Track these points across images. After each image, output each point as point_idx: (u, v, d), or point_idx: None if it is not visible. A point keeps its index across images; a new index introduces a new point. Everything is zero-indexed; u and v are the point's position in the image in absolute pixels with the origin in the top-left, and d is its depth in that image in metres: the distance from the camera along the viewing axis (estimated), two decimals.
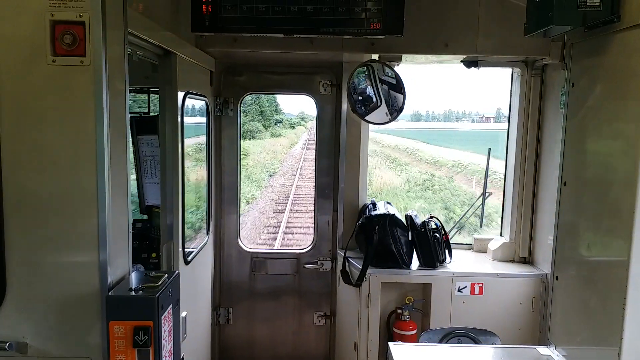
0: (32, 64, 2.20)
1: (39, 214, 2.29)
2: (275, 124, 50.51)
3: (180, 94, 3.54)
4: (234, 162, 5.16)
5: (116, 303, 2.23)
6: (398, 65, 4.40)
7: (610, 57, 2.44)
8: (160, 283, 2.34)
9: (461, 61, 4.52)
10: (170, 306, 2.44)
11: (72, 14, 2.18)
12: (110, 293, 2.27)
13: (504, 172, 4.99)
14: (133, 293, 2.27)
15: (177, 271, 2.60)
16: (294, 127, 56.68)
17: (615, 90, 2.43)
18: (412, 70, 5.33)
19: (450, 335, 3.47)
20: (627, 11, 2.23)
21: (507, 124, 4.91)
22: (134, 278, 2.47)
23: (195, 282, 4.29)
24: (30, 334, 2.34)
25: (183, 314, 3.57)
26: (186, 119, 3.70)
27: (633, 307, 2.26)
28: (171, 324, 2.44)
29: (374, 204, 4.88)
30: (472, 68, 4.54)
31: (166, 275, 2.44)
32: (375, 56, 4.35)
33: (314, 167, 5.37)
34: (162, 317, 2.30)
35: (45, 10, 2.17)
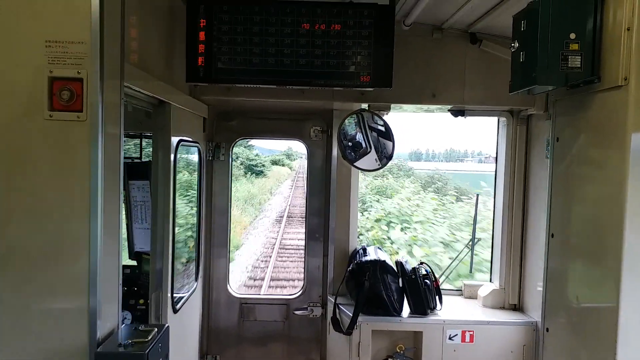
0: (28, 118, 2.23)
1: (29, 265, 2.27)
2: None
3: (174, 141, 3.58)
4: (224, 205, 5.17)
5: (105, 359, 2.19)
6: (387, 114, 4.50)
7: (592, 113, 2.54)
8: (150, 338, 2.31)
9: (448, 110, 4.63)
10: None
11: (71, 71, 2.23)
12: (99, 349, 2.23)
13: (492, 219, 5.05)
14: (122, 349, 2.23)
15: (166, 325, 2.57)
16: (261, 172, 34.84)
17: (598, 143, 2.52)
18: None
19: None
20: (607, 73, 2.34)
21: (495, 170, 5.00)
22: (123, 332, 2.44)
23: (184, 330, 4.22)
24: None
25: None
26: (178, 165, 3.73)
27: (623, 357, 2.28)
28: None
29: (364, 249, 4.89)
30: (459, 117, 4.66)
31: (156, 329, 2.41)
32: (365, 105, 4.45)
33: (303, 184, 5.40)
34: None
35: (45, 67, 2.22)
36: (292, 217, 20.83)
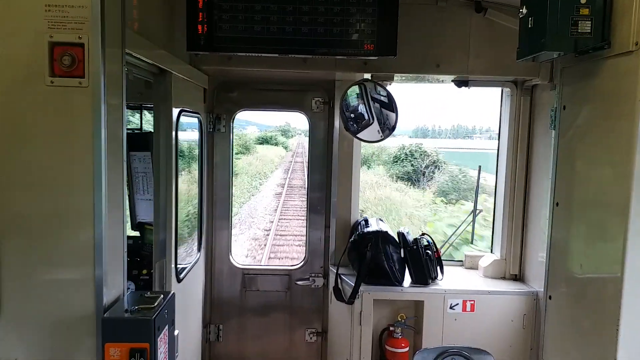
0: (29, 84, 2.20)
1: (34, 233, 2.27)
2: None
3: (175, 111, 3.55)
4: (226, 177, 5.16)
5: (112, 325, 2.21)
6: (390, 84, 4.45)
7: (601, 80, 2.51)
8: (156, 304, 2.33)
9: (452, 81, 4.58)
10: (166, 327, 2.42)
11: (72, 36, 2.18)
12: (106, 315, 2.25)
13: (494, 190, 5.05)
14: (129, 314, 2.25)
15: (172, 292, 2.59)
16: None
17: (606, 111, 2.49)
18: (417, 85, 5.35)
19: (444, 355, 3.48)
20: (617, 38, 2.30)
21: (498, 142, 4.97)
22: (129, 299, 2.45)
23: (187, 299, 4.26)
24: (23, 355, 2.30)
25: (175, 332, 3.54)
26: (180, 136, 3.71)
27: (627, 326, 2.30)
28: (167, 345, 2.43)
29: (366, 220, 4.90)
30: (463, 88, 4.61)
31: (162, 296, 2.42)
32: (367, 75, 4.40)
33: (305, 185, 5.42)
34: (159, 339, 2.28)
35: (45, 32, 2.18)
36: None
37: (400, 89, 4.65)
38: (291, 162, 28.98)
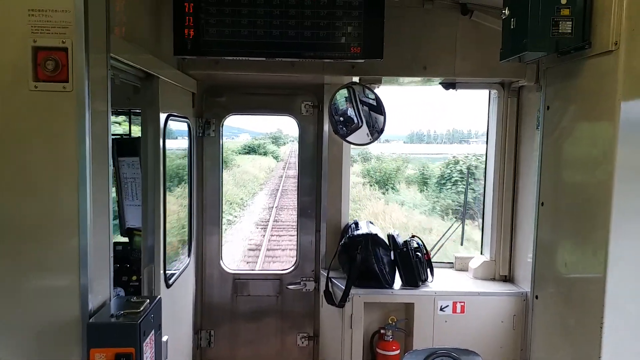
0: (13, 89, 2.19)
1: (18, 239, 2.25)
2: None
3: (163, 116, 3.54)
4: (215, 183, 5.15)
5: (97, 330, 2.19)
6: (378, 87, 4.47)
7: (582, 80, 2.53)
8: (142, 309, 2.32)
9: (440, 83, 4.61)
10: (152, 332, 2.41)
11: (55, 40, 2.18)
12: (91, 320, 2.24)
13: (482, 192, 5.07)
14: (114, 319, 2.24)
15: (158, 296, 2.58)
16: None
17: (588, 111, 2.52)
18: (408, 89, 5.39)
19: (433, 356, 3.48)
20: (598, 38, 2.33)
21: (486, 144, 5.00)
22: (115, 304, 2.44)
23: (177, 305, 4.24)
24: None
25: (164, 338, 3.52)
26: (168, 141, 3.70)
27: (610, 325, 2.31)
28: (153, 350, 2.41)
29: (356, 223, 4.91)
30: (450, 90, 4.64)
31: (148, 300, 2.41)
32: (355, 78, 4.42)
33: (296, 189, 5.43)
34: (144, 344, 2.27)
35: (28, 37, 2.17)
36: None
37: (393, 93, 4.68)
38: (282, 177, 23.60)
